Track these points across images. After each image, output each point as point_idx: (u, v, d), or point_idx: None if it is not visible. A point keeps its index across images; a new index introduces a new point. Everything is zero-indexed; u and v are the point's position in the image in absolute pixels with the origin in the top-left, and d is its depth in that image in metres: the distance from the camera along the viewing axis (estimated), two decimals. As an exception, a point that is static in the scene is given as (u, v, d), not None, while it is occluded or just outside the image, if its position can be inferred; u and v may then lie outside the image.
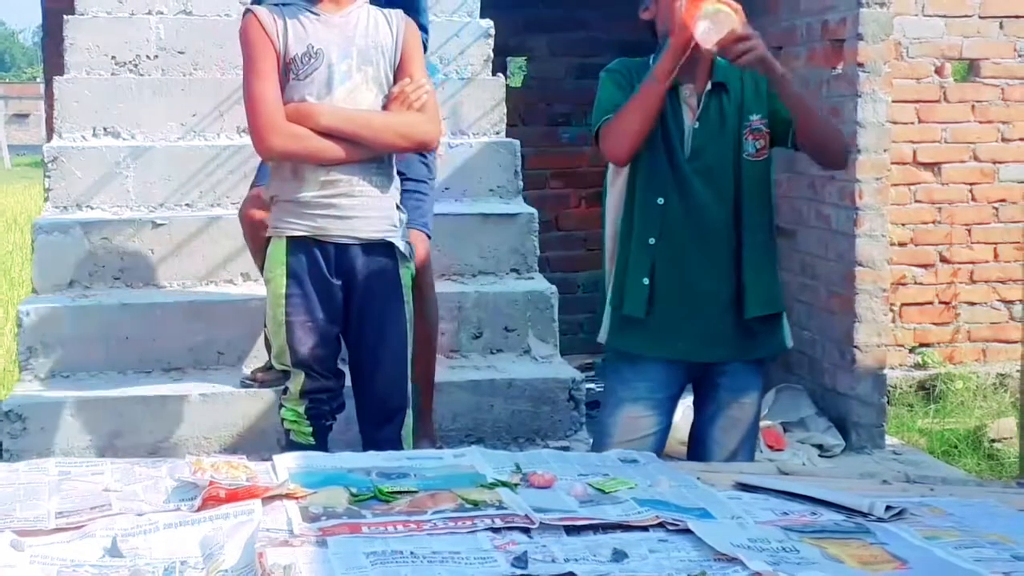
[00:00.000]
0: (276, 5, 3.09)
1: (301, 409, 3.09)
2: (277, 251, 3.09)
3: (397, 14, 3.17)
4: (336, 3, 3.09)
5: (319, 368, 3.09)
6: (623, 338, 2.97)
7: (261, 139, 3.04)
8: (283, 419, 3.14)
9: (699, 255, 2.88)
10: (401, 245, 3.14)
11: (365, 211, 3.08)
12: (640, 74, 2.91)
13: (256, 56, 3.04)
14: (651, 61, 2.91)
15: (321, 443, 3.08)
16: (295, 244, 3.07)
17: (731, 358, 2.94)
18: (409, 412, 3.16)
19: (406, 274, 3.16)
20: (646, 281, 2.89)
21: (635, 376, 2.95)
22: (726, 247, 2.89)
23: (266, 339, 3.27)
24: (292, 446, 3.07)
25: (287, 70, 3.04)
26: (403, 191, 3.31)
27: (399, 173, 3.30)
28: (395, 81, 3.12)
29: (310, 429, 3.10)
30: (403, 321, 3.14)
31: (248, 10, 3.11)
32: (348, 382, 3.21)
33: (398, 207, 3.17)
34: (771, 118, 2.92)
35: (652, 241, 2.89)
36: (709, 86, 2.90)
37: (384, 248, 3.12)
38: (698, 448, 2.97)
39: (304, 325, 3.07)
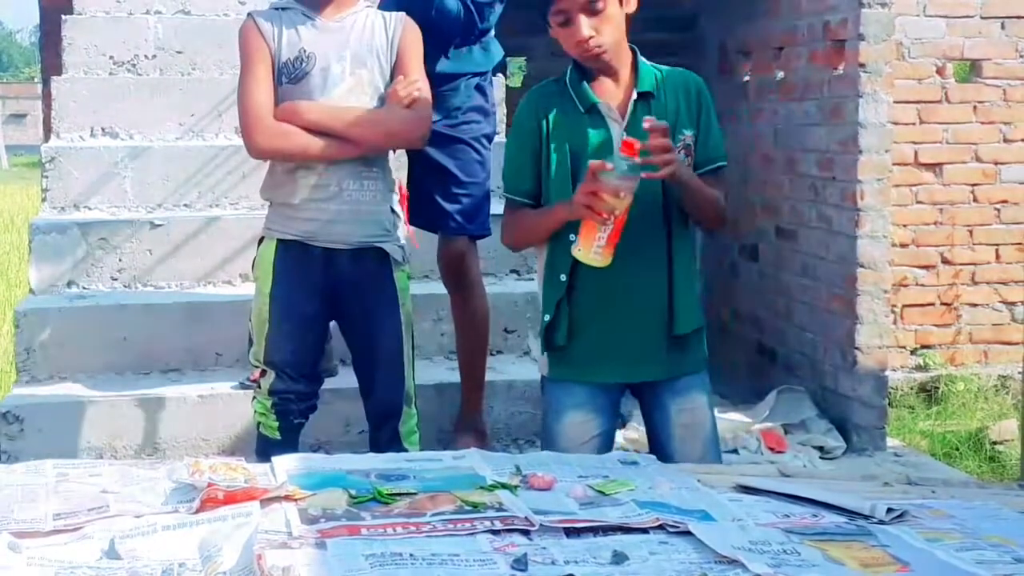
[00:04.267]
0: (276, 10, 3.13)
1: (269, 404, 3.12)
2: (267, 252, 3.14)
3: (396, 16, 3.18)
4: (335, 9, 3.11)
5: (289, 371, 3.11)
6: (553, 367, 2.94)
7: (249, 137, 3.09)
8: (255, 411, 3.18)
9: (626, 278, 2.77)
10: (392, 250, 3.14)
11: (354, 217, 3.09)
12: (553, 100, 2.84)
13: (250, 59, 3.09)
14: (567, 80, 2.85)
15: (289, 440, 3.11)
16: (284, 247, 3.11)
17: (661, 376, 2.87)
18: (409, 412, 3.17)
19: (401, 277, 3.17)
20: (548, 317, 2.87)
21: (575, 383, 2.90)
22: (655, 266, 2.81)
23: (249, 336, 3.28)
24: (261, 438, 3.16)
25: (280, 74, 3.07)
26: (452, 193, 3.59)
27: (452, 174, 3.56)
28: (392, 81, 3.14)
29: (276, 424, 3.13)
30: (397, 324, 3.15)
31: (249, 14, 3.16)
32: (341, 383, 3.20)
33: (393, 211, 3.18)
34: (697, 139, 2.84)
35: (563, 278, 2.83)
36: (635, 95, 2.79)
37: (375, 252, 3.13)
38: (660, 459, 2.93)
39: (282, 328, 3.09)
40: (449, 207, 3.63)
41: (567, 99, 2.83)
